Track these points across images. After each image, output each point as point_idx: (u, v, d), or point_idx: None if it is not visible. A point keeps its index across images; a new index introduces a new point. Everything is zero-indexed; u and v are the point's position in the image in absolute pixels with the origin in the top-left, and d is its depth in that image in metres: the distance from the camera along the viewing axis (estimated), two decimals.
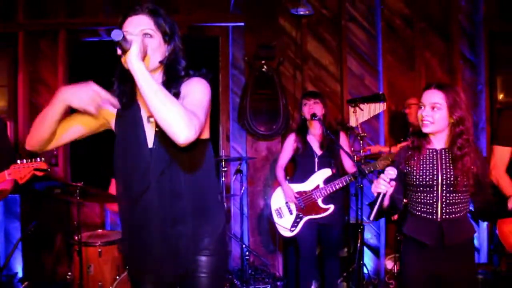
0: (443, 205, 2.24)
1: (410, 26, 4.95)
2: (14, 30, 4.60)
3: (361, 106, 3.98)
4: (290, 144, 3.76)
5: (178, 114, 1.51)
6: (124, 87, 1.74)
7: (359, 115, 3.99)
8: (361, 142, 3.93)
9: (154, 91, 1.51)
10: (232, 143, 4.85)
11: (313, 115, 3.53)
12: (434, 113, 2.24)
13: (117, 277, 3.29)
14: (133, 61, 1.52)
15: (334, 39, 4.94)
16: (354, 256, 4.09)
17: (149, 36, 1.66)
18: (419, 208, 2.30)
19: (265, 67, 4.51)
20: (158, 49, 1.69)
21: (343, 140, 3.72)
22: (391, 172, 2.07)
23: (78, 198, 3.10)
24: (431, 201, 2.26)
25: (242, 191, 4.25)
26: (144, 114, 1.75)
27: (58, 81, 4.69)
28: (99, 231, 3.70)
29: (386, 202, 2.19)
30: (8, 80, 4.70)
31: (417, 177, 2.31)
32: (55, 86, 4.70)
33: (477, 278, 3.55)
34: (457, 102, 2.22)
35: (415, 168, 2.31)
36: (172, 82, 1.69)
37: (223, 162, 3.98)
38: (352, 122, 4.08)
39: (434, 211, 2.25)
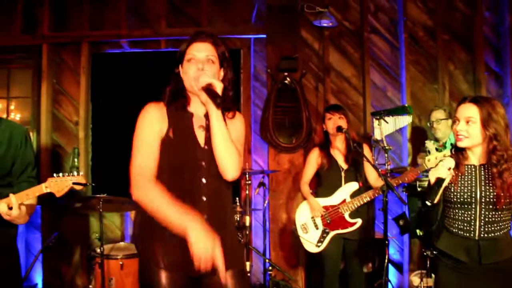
0: (482, 223, 2.18)
1: (433, 38, 4.88)
2: (38, 42, 4.64)
3: (386, 118, 3.91)
4: (314, 159, 3.70)
5: (234, 157, 1.85)
6: (179, 97, 1.93)
7: (384, 128, 3.91)
8: (386, 155, 3.85)
9: (222, 133, 1.83)
10: (254, 156, 4.80)
11: (339, 128, 3.48)
12: (468, 127, 2.18)
13: None
14: (215, 111, 1.83)
15: (356, 51, 4.89)
16: (379, 272, 4.01)
17: (211, 62, 1.90)
18: (456, 225, 2.23)
19: (287, 79, 4.48)
20: (216, 74, 1.92)
21: (367, 153, 3.65)
22: (450, 160, 2.12)
23: (101, 210, 3.06)
24: (468, 219, 2.19)
25: (265, 205, 4.19)
26: (196, 122, 1.95)
27: (80, 92, 4.71)
28: (121, 244, 3.67)
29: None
30: (32, 92, 4.73)
31: (455, 193, 2.24)
32: (77, 98, 4.73)
33: None
34: (491, 116, 2.16)
35: (453, 184, 2.24)
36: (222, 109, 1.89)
37: (247, 175, 3.92)
38: (377, 135, 4.00)
39: (472, 229, 2.19)
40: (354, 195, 3.55)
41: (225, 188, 1.95)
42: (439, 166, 2.14)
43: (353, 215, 3.55)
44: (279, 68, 4.50)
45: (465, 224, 2.20)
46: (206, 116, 1.92)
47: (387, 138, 4.20)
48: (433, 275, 3.65)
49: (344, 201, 3.57)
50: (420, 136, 4.67)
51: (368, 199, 3.48)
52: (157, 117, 1.90)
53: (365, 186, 3.67)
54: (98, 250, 3.17)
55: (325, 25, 4.55)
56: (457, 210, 2.24)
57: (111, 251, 3.39)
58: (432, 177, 2.14)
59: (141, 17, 4.79)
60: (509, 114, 4.78)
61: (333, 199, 3.60)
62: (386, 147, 3.81)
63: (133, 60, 4.85)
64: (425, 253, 3.68)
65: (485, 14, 4.87)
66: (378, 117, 3.94)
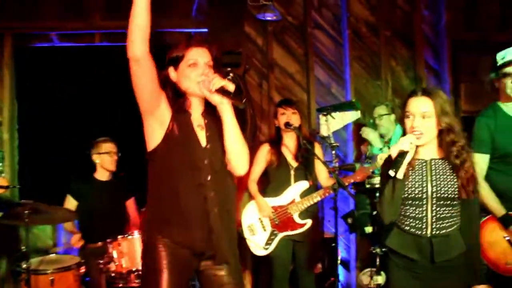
0: (433, 220, 2.11)
1: (376, 34, 4.89)
2: None
3: (333, 114, 3.83)
4: (263, 156, 3.55)
5: (246, 153, 2.03)
6: (177, 100, 2.02)
7: (331, 124, 3.84)
8: (333, 152, 3.77)
9: (236, 131, 1.99)
10: None
11: (288, 124, 3.35)
12: (424, 121, 2.11)
13: None
14: (229, 110, 1.98)
15: (300, 47, 4.80)
16: (328, 272, 3.94)
17: (210, 67, 2.04)
18: (408, 223, 2.16)
19: (230, 74, 4.27)
20: None
21: (318, 151, 3.56)
22: (411, 136, 2.09)
23: (26, 220, 2.73)
24: (420, 216, 2.13)
25: None
26: (194, 121, 2.04)
27: (4, 90, 4.29)
28: (52, 256, 3.33)
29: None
30: None
31: (406, 189, 2.16)
32: (1, 96, 4.31)
33: None
34: (444, 108, 2.12)
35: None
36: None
37: None
38: (324, 132, 3.91)
39: (424, 226, 2.12)
40: (303, 194, 3.44)
41: (231, 182, 2.09)
42: (400, 140, 2.07)
43: (302, 215, 3.43)
44: (222, 62, 4.30)
45: (417, 221, 2.13)
46: (204, 115, 2.05)
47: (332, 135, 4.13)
48: (382, 273, 3.62)
49: (293, 201, 3.44)
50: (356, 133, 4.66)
51: (319, 198, 3.39)
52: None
53: (315, 185, 3.57)
54: (25, 266, 2.82)
55: (269, 18, 4.41)
56: (408, 207, 2.16)
57: (40, 265, 3.05)
58: (394, 150, 2.06)
59: (74, 8, 4.41)
60: None
61: (282, 199, 3.47)
62: (333, 144, 3.73)
63: (64, 55, 4.49)
64: (374, 251, 3.65)
65: (423, 12, 4.95)
66: (325, 113, 3.86)
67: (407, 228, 2.15)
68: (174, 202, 1.96)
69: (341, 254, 4.52)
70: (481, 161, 2.70)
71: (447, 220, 2.11)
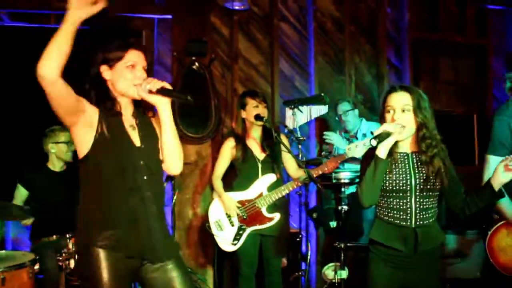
0: (417, 211, 2.17)
1: (341, 29, 4.91)
2: None
3: (301, 108, 3.79)
4: (228, 150, 3.44)
5: (181, 153, 2.07)
6: (107, 101, 1.97)
7: (299, 117, 3.79)
8: (299, 146, 3.73)
9: (173, 130, 2.03)
10: None
11: (259, 117, 3.27)
12: (404, 115, 2.15)
13: None
14: (169, 110, 1.99)
15: (265, 39, 4.72)
16: (293, 266, 3.91)
17: (145, 70, 2.02)
18: (392, 214, 2.20)
19: (196, 64, 4.15)
20: None
21: (286, 144, 3.49)
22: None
23: None
24: (404, 207, 2.18)
25: (173, 201, 3.83)
26: (125, 122, 2.02)
27: None
28: (2, 252, 3.07)
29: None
30: None
31: (390, 181, 2.20)
32: None
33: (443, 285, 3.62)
34: (420, 104, 2.16)
35: (387, 172, 2.19)
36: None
37: None
38: (290, 125, 3.87)
39: (408, 217, 2.17)
40: (271, 187, 3.37)
41: (162, 182, 2.16)
42: (385, 124, 2.13)
43: (270, 209, 3.37)
44: (187, 51, 4.16)
45: (401, 213, 2.18)
46: (134, 115, 2.04)
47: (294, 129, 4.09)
48: (346, 268, 3.63)
49: (261, 194, 3.37)
50: (327, 127, 4.66)
51: (287, 191, 3.33)
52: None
53: (282, 178, 3.52)
54: None
55: (237, 8, 4.30)
56: (392, 199, 2.20)
57: None
58: (380, 129, 2.09)
59: None
60: None
61: (249, 193, 3.39)
62: (300, 138, 3.69)
63: (16, 36, 4.16)
64: (338, 246, 3.65)
65: (387, 10, 5.01)
66: (292, 107, 3.80)
67: (391, 220, 2.19)
68: (109, 206, 1.93)
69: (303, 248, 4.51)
70: (496, 164, 2.64)
71: (429, 211, 2.19)
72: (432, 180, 2.15)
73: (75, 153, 3.45)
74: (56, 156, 3.54)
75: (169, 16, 4.32)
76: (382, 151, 2.09)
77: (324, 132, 3.99)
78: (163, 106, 1.98)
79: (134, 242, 1.92)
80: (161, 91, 1.94)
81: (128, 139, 1.99)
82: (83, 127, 1.91)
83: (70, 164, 3.57)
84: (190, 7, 4.28)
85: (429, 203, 2.19)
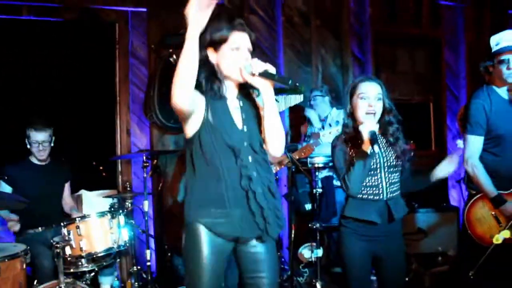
0: (387, 185, 2.42)
1: (307, 23, 5.12)
2: None
3: (276, 97, 3.96)
4: None
5: (283, 136, 2.08)
6: (214, 84, 2.01)
7: None
8: None
9: (276, 113, 2.05)
10: (133, 138, 4.49)
11: None
12: (377, 103, 2.41)
13: None
14: (271, 93, 2.02)
15: None
16: None
17: (250, 51, 2.04)
18: (365, 191, 2.43)
19: (174, 56, 4.24)
20: None
21: None
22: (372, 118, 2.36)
23: None
24: (376, 183, 2.42)
25: (160, 188, 3.94)
26: (230, 105, 2.05)
27: None
28: None
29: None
30: None
31: None
32: None
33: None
34: (386, 93, 2.46)
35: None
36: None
37: (144, 157, 3.63)
38: None
39: (380, 192, 2.42)
40: None
41: (267, 162, 2.09)
42: (367, 124, 2.31)
43: None
44: (165, 44, 4.24)
45: (374, 189, 2.42)
46: (239, 98, 2.07)
47: None
48: (321, 247, 3.87)
49: None
50: (297, 117, 4.89)
51: None
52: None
53: None
54: None
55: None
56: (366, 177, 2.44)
57: None
58: (365, 130, 2.29)
59: None
60: None
61: None
62: None
63: None
64: (314, 227, 3.88)
65: (350, 4, 5.27)
66: None
67: (365, 196, 2.42)
68: (216, 184, 1.96)
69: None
70: (476, 143, 2.82)
71: (395, 185, 2.45)
72: (396, 158, 2.43)
73: (54, 145, 3.55)
74: (33, 153, 3.54)
75: (144, 9, 4.38)
76: (375, 148, 2.26)
77: (306, 108, 4.25)
78: (266, 89, 2.00)
79: (239, 221, 1.96)
80: (264, 74, 1.95)
81: (232, 122, 2.02)
82: (194, 116, 1.96)
83: (53, 155, 3.58)
84: (165, 1, 4.35)
85: (395, 177, 2.45)
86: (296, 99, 4.06)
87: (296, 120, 4.80)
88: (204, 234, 1.96)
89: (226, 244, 2.00)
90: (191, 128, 1.98)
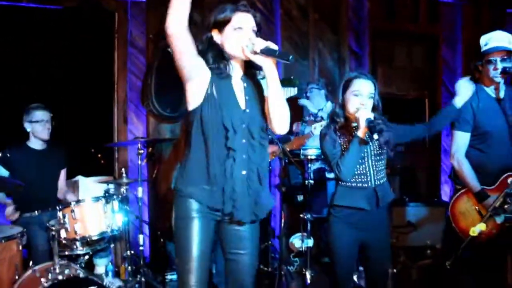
0: (374, 173, 2.53)
1: (305, 17, 5.17)
2: None
3: None
4: None
5: (288, 113, 2.11)
6: (220, 64, 2.07)
7: None
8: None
9: (280, 90, 2.06)
10: (129, 126, 4.57)
11: None
12: (369, 100, 2.51)
13: (16, 277, 2.87)
14: (274, 70, 2.02)
15: None
16: (263, 237, 4.20)
17: (254, 32, 2.06)
18: (354, 180, 2.53)
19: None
20: None
21: None
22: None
23: None
24: (364, 171, 2.52)
25: (154, 176, 4.02)
26: (234, 85, 2.11)
27: None
28: None
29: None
30: None
31: None
32: None
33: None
34: (377, 91, 2.56)
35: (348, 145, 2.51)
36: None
37: (139, 145, 3.72)
38: None
39: (368, 179, 2.52)
40: None
41: (263, 149, 2.12)
42: (363, 112, 2.42)
43: None
44: (162, 34, 4.29)
45: (362, 177, 2.52)
46: (243, 79, 2.12)
47: None
48: (311, 237, 3.96)
49: None
50: (291, 109, 4.94)
51: None
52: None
53: None
54: None
55: None
56: None
57: None
58: (362, 116, 2.41)
59: None
60: None
61: None
62: None
63: None
64: (305, 217, 3.96)
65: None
66: None
67: (354, 184, 2.53)
68: (204, 163, 2.03)
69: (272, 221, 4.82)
70: (463, 139, 2.91)
71: (381, 172, 2.57)
72: (381, 147, 2.52)
73: (53, 131, 3.62)
74: (33, 135, 3.61)
75: (143, 0, 4.44)
76: (374, 136, 2.39)
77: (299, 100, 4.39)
78: (268, 66, 2.01)
79: (218, 200, 2.03)
80: (264, 51, 1.96)
81: (235, 101, 2.07)
82: (197, 84, 2.02)
83: (51, 141, 3.66)
84: None
85: (381, 165, 2.55)
86: (290, 92, 4.12)
87: (291, 112, 4.85)
88: (193, 205, 2.03)
89: (213, 216, 2.07)
90: (193, 100, 2.04)
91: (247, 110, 2.08)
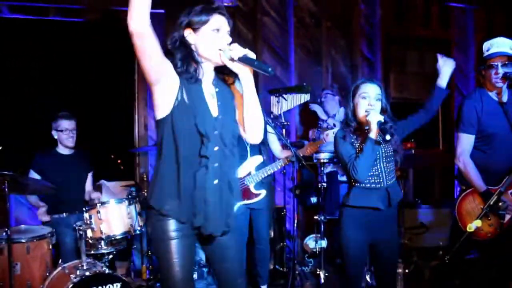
0: (386, 174, 2.64)
1: (318, 24, 5.33)
2: None
3: (285, 96, 4.20)
4: None
5: (262, 122, 2.04)
6: (190, 67, 1.95)
7: (283, 104, 4.21)
8: (283, 130, 4.16)
9: (256, 99, 2.00)
10: (149, 132, 4.78)
11: None
12: (377, 102, 2.62)
13: (47, 274, 3.08)
14: (250, 78, 1.97)
15: (250, 32, 5.11)
16: (277, 238, 4.35)
17: (229, 35, 1.98)
18: (368, 181, 2.63)
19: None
20: None
21: (270, 128, 3.89)
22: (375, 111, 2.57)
23: (6, 190, 2.81)
24: (377, 173, 2.63)
25: None
26: (205, 89, 1.99)
27: None
28: (21, 227, 3.40)
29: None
30: None
31: None
32: None
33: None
34: (384, 95, 2.68)
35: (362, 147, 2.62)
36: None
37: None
38: (275, 112, 4.29)
39: (381, 180, 2.63)
40: (258, 167, 3.77)
41: (234, 156, 2.04)
42: (374, 115, 2.53)
43: (258, 186, 3.77)
44: None
45: (375, 178, 2.62)
46: (214, 83, 2.03)
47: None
48: (325, 238, 4.09)
49: (249, 173, 3.77)
50: (306, 114, 5.10)
51: (272, 171, 3.73)
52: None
53: (268, 158, 3.93)
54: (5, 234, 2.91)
55: (226, 4, 4.66)
56: None
57: (12, 235, 3.12)
58: (373, 119, 2.51)
59: None
60: None
61: (240, 172, 3.77)
62: (284, 123, 4.12)
63: (15, 28, 4.41)
64: (319, 219, 4.10)
65: (361, 6, 5.45)
66: (277, 95, 4.21)
67: (368, 185, 2.63)
68: (177, 171, 1.91)
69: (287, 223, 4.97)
70: (467, 141, 3.00)
71: (392, 173, 2.67)
72: (391, 149, 2.64)
73: (78, 138, 3.84)
74: (59, 142, 3.84)
75: (162, 11, 4.65)
76: (386, 137, 2.48)
77: (310, 104, 4.54)
78: (245, 74, 1.95)
79: (188, 210, 1.92)
80: (243, 59, 1.88)
81: (206, 107, 1.95)
82: (165, 89, 1.89)
83: (78, 148, 3.88)
84: (183, 2, 4.59)
85: (391, 166, 2.66)
86: (302, 98, 4.27)
87: (306, 118, 5.02)
88: (170, 225, 1.93)
89: (190, 229, 1.96)
90: (162, 107, 1.92)
91: (220, 116, 1.99)
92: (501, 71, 2.86)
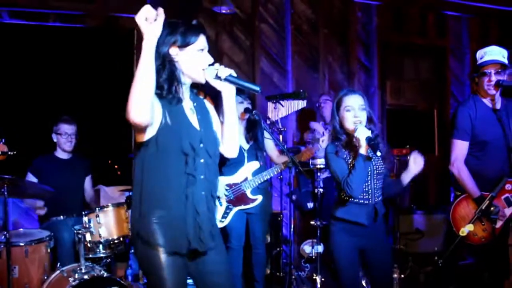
0: (374, 190, 2.63)
1: (315, 31, 5.39)
2: None
3: (282, 102, 4.24)
4: None
5: (238, 138, 2.14)
6: (172, 86, 1.97)
7: (280, 110, 4.25)
8: (280, 136, 4.20)
9: (236, 115, 2.09)
10: None
11: (249, 110, 3.68)
12: (362, 113, 2.60)
13: (45, 277, 3.10)
14: (233, 96, 2.05)
15: (247, 39, 5.17)
16: (274, 243, 4.38)
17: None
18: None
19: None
20: None
21: (267, 134, 3.93)
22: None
23: (6, 194, 2.84)
24: (366, 189, 2.62)
25: None
26: (185, 106, 2.04)
27: None
28: (20, 230, 3.43)
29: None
30: None
31: None
32: None
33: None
34: (368, 103, 2.65)
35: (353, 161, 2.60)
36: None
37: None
38: (272, 117, 4.32)
39: (370, 197, 2.62)
40: (255, 173, 3.81)
41: (216, 167, 2.09)
42: (362, 130, 2.50)
43: (254, 191, 3.80)
44: None
45: (364, 194, 2.62)
46: (192, 99, 2.07)
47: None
48: (321, 244, 4.12)
49: (246, 179, 3.80)
50: (302, 120, 5.16)
51: (268, 176, 3.77)
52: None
53: (265, 164, 3.96)
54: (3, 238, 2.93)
55: (224, 11, 4.72)
56: None
57: (11, 238, 3.14)
58: (361, 136, 2.48)
59: None
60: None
61: (236, 177, 3.80)
62: (281, 129, 4.16)
63: (15, 33, 4.46)
64: (315, 224, 4.13)
65: (357, 14, 5.52)
66: (274, 101, 4.25)
67: (356, 200, 2.62)
68: (167, 186, 1.93)
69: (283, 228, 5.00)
70: (462, 147, 3.03)
71: (379, 190, 2.66)
72: (381, 162, 2.63)
73: (78, 144, 3.87)
74: (58, 146, 3.88)
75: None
76: (377, 153, 2.45)
77: (310, 122, 4.55)
78: (228, 92, 2.03)
79: (183, 223, 1.93)
80: (229, 79, 1.98)
81: (189, 124, 2.00)
82: (152, 124, 1.89)
83: (76, 152, 3.91)
84: (180, 9, 4.65)
85: (380, 183, 2.66)
86: (299, 104, 4.31)
87: (303, 124, 5.07)
88: (162, 257, 1.92)
89: (182, 244, 1.96)
90: (147, 134, 1.90)
91: (202, 130, 2.03)
92: (494, 78, 2.90)
